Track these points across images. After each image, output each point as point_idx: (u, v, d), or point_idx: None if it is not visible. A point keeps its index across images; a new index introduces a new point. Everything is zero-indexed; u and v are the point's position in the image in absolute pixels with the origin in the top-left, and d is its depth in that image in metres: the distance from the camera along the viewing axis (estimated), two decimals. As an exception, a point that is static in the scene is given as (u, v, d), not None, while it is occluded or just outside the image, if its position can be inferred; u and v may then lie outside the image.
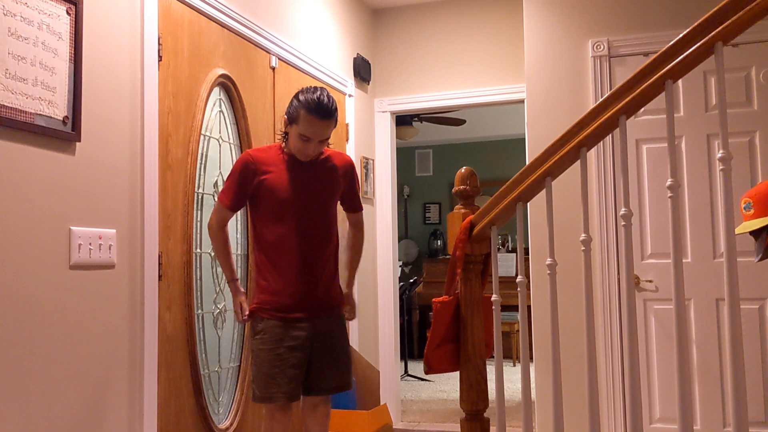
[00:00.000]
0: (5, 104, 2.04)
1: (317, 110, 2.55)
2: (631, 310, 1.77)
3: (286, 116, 2.66)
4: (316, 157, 2.73)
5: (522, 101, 4.16)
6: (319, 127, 2.57)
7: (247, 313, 2.67)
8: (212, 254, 3.09)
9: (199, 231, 3.01)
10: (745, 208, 2.28)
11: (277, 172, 2.66)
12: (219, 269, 3.12)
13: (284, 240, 2.63)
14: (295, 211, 2.64)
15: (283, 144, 2.73)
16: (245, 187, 2.65)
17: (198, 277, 2.99)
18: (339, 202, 2.83)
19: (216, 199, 3.07)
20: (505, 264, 7.59)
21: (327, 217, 2.71)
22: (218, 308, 3.11)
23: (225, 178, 3.20)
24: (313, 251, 2.65)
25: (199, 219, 3.02)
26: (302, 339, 2.61)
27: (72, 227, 2.28)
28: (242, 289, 2.73)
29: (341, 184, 2.78)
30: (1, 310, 2.02)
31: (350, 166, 2.84)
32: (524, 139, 3.97)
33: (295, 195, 2.64)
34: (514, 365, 7.30)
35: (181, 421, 2.79)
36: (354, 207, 2.91)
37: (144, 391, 2.55)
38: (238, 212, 3.02)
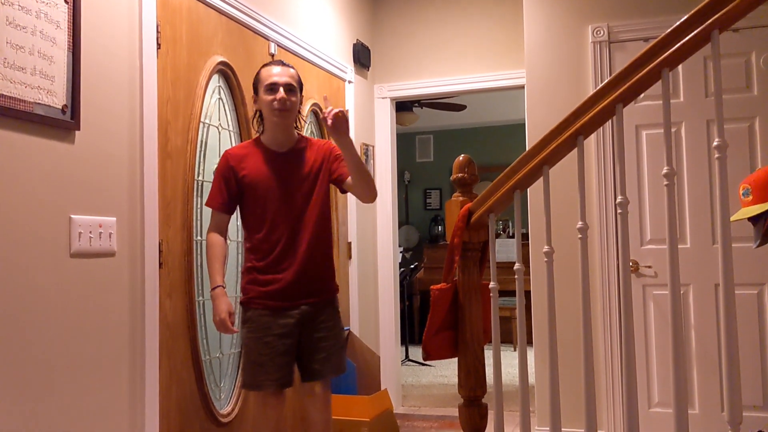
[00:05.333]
0: (4, 93, 2.04)
1: (271, 62, 2.79)
2: (627, 297, 1.78)
3: (253, 95, 2.77)
4: (293, 144, 2.75)
5: (522, 87, 4.15)
6: (279, 72, 2.69)
7: (236, 328, 2.68)
8: (212, 242, 3.10)
9: (199, 218, 3.02)
10: (743, 194, 2.29)
11: (256, 166, 2.68)
12: (219, 256, 3.13)
13: (270, 230, 2.65)
14: (278, 200, 2.65)
15: (260, 134, 2.76)
16: (230, 186, 2.68)
17: (198, 265, 3.00)
18: (335, 184, 2.78)
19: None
20: (505, 249, 7.61)
21: (313, 204, 2.70)
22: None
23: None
24: (299, 239, 2.65)
25: (199, 206, 3.03)
26: (290, 326, 2.64)
27: (72, 215, 2.29)
28: (228, 299, 2.66)
29: (323, 166, 2.74)
30: (2, 299, 2.04)
31: (328, 145, 2.81)
32: (525, 124, 3.97)
33: (275, 185, 2.66)
34: (515, 350, 7.33)
35: (182, 407, 2.81)
36: (346, 173, 2.72)
37: (145, 378, 2.58)
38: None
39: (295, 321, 2.65)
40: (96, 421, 2.36)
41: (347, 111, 2.57)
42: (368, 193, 2.69)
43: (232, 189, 2.69)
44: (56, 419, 2.21)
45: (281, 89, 2.65)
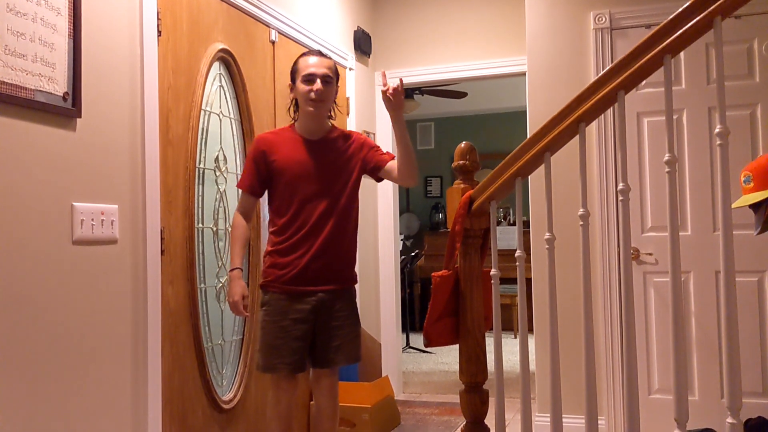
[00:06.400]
0: (5, 81, 2.04)
1: (309, 52, 2.81)
2: (628, 284, 1.79)
3: (290, 83, 2.78)
4: (325, 133, 2.77)
5: (523, 74, 4.14)
6: (316, 63, 2.71)
7: (248, 312, 2.72)
8: (214, 229, 3.11)
9: (200, 206, 3.03)
10: (744, 181, 2.29)
11: (288, 152, 2.71)
12: (221, 244, 3.15)
13: (294, 216, 2.67)
14: (305, 187, 2.67)
15: (294, 122, 2.80)
16: (260, 170, 2.72)
17: (200, 252, 3.01)
18: (371, 173, 2.80)
19: (215, 174, 3.10)
20: (506, 237, 7.61)
21: (340, 194, 2.71)
22: (221, 282, 3.14)
23: (226, 153, 3.22)
24: (322, 227, 2.67)
25: (200, 194, 3.03)
26: (306, 312, 2.66)
27: (74, 203, 2.30)
28: (244, 282, 2.71)
29: (356, 157, 2.77)
30: (5, 286, 2.05)
31: (361, 137, 2.87)
32: (527, 111, 3.97)
33: (305, 172, 2.68)
34: (515, 337, 7.36)
35: (185, 393, 2.83)
36: (385, 159, 2.77)
37: (148, 365, 2.59)
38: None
39: (311, 307, 2.67)
40: (99, 407, 2.37)
41: (402, 81, 2.59)
42: (413, 173, 2.71)
43: (262, 173, 2.73)
44: (59, 405, 2.22)
45: (318, 81, 2.67)
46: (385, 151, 2.84)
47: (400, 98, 2.58)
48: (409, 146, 2.67)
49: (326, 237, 2.67)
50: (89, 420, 2.33)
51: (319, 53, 2.79)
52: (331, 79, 2.73)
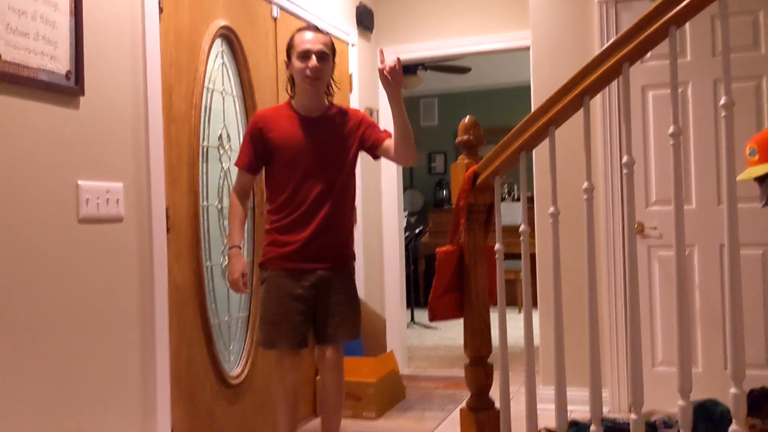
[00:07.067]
0: (8, 60, 2.04)
1: (304, 28, 2.77)
2: (632, 258, 1.79)
3: (286, 60, 2.75)
4: (323, 111, 2.75)
5: (527, 48, 4.11)
6: (311, 39, 2.66)
7: (248, 289, 2.72)
8: (218, 207, 3.12)
9: (205, 184, 3.03)
10: (749, 153, 2.28)
11: (285, 129, 2.70)
12: (225, 222, 3.15)
13: (293, 194, 2.67)
14: (304, 165, 2.66)
15: (292, 100, 2.77)
16: (257, 147, 2.71)
17: (206, 230, 3.02)
18: (368, 151, 2.79)
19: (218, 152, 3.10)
20: (510, 212, 7.60)
21: (338, 172, 2.71)
22: (226, 259, 3.15)
23: (229, 131, 3.22)
24: (321, 204, 2.67)
25: (204, 172, 3.03)
26: (306, 289, 2.67)
27: (79, 181, 2.31)
28: (245, 260, 2.72)
29: (354, 134, 2.75)
30: (13, 265, 2.06)
31: (359, 114, 2.85)
32: (531, 86, 3.94)
33: (303, 150, 2.67)
34: (519, 312, 7.39)
35: (193, 369, 2.86)
36: (382, 137, 2.74)
37: (156, 342, 2.61)
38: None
39: (311, 284, 2.68)
40: (107, 384, 2.40)
41: (400, 60, 2.52)
42: (410, 153, 2.68)
43: (258, 150, 2.71)
44: (68, 382, 2.25)
45: (314, 57, 2.64)
46: (383, 129, 2.82)
47: (398, 77, 2.51)
48: (407, 125, 2.63)
49: (325, 215, 2.67)
50: (98, 397, 2.36)
51: (315, 28, 2.75)
52: (327, 55, 2.69)
